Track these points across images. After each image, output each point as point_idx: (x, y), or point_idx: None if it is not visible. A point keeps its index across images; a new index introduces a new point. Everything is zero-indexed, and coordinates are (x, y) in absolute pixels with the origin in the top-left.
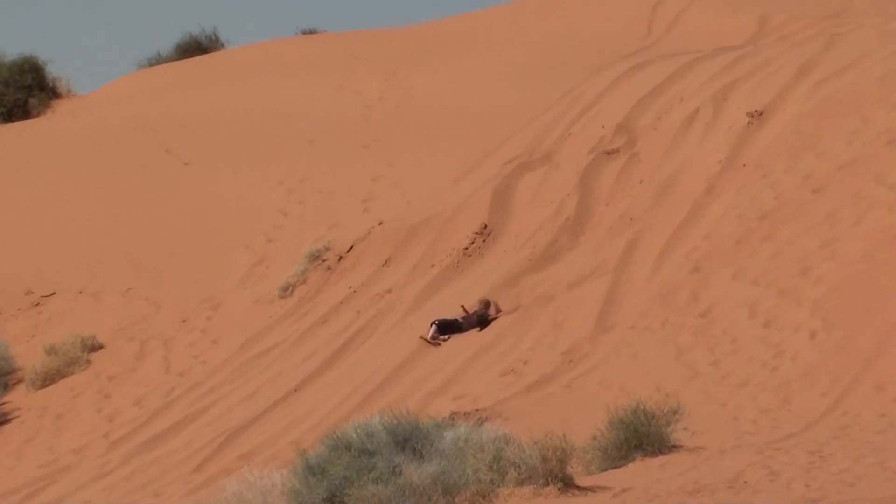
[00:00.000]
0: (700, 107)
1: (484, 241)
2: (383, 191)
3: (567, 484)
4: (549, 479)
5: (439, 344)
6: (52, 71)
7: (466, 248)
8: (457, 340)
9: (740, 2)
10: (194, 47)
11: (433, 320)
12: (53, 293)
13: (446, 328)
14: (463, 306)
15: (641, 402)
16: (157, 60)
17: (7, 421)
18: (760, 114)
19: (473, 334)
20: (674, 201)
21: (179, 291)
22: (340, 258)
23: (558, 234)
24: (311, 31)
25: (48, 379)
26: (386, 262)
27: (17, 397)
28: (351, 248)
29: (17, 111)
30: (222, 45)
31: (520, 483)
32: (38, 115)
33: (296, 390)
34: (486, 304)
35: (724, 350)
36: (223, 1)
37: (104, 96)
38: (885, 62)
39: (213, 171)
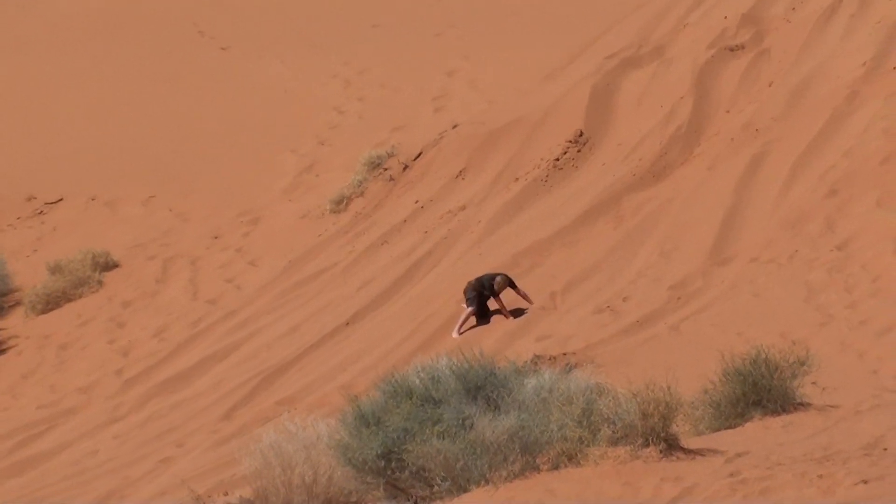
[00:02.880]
0: None
1: (579, 150)
2: (459, 88)
3: (671, 445)
4: (650, 439)
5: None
6: None
7: (557, 159)
8: (542, 269)
9: None
10: None
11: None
12: (60, 200)
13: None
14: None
15: (763, 350)
16: None
17: (1, 351)
18: None
19: (563, 259)
20: (808, 110)
21: (211, 201)
22: (406, 167)
23: (669, 144)
24: None
25: (51, 302)
26: (460, 173)
27: (14, 323)
28: (419, 155)
29: None
30: None
31: (614, 442)
32: None
33: (348, 324)
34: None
35: (864, 290)
36: None
37: None
38: None
39: (256, 58)
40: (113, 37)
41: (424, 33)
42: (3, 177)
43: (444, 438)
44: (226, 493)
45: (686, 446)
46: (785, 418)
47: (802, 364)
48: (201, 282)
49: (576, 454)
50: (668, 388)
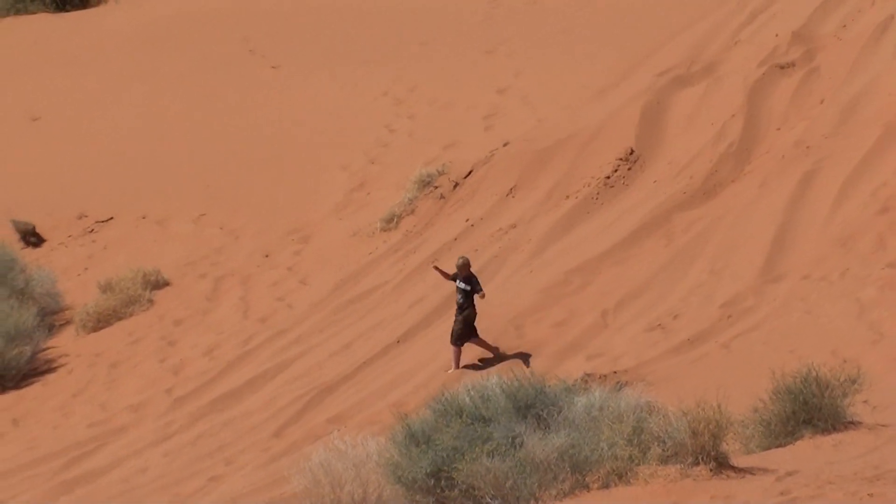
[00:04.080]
0: (895, 13)
1: (630, 168)
2: (509, 105)
3: (721, 464)
4: (700, 458)
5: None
6: None
7: (608, 177)
8: (593, 287)
9: None
10: None
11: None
12: (111, 218)
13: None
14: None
15: (814, 368)
16: None
17: (52, 370)
18: None
19: (614, 277)
20: (859, 127)
21: (262, 220)
22: (456, 185)
23: (720, 162)
24: None
25: (102, 321)
26: (511, 191)
27: (65, 342)
28: (469, 172)
29: None
30: None
31: (664, 461)
32: (98, 3)
33: (398, 342)
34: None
35: None
36: None
37: None
38: None
39: (306, 76)
40: (162, 54)
41: (475, 50)
42: (54, 195)
43: (493, 457)
44: None
45: (736, 465)
46: (836, 437)
47: (853, 382)
48: (252, 300)
49: (626, 473)
50: (719, 406)
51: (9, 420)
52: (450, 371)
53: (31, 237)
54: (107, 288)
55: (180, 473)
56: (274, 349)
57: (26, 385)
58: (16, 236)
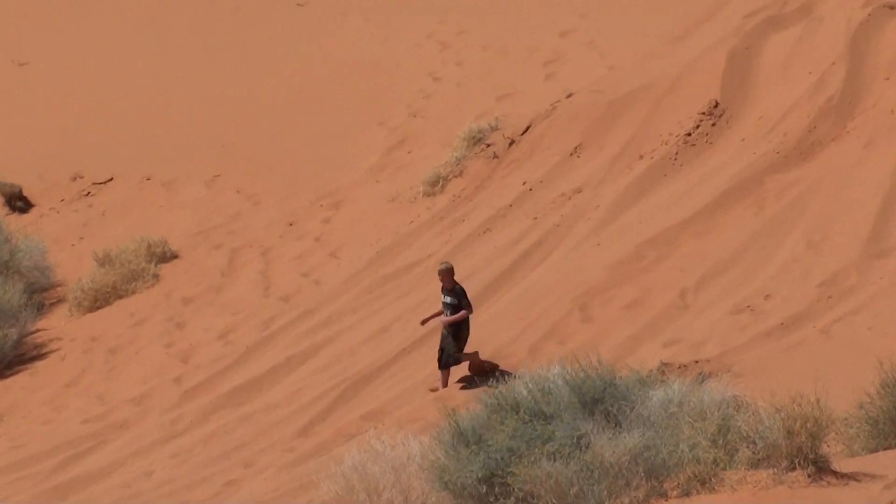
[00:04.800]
0: None
1: (714, 124)
2: (574, 50)
3: (820, 468)
4: (796, 461)
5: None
6: None
7: (689, 134)
8: (670, 262)
9: None
10: None
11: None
12: (110, 179)
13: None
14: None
15: None
16: None
17: (42, 356)
18: None
19: (695, 251)
20: None
21: (285, 182)
22: (512, 143)
23: (818, 118)
24: None
25: (99, 299)
26: (575, 150)
27: (57, 323)
28: (527, 128)
29: None
30: None
31: (754, 465)
32: None
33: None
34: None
35: None
36: None
37: None
38: None
39: (337, 16)
40: None
41: None
42: (44, 153)
43: (555, 460)
44: None
45: (838, 469)
46: None
47: None
48: (274, 275)
49: (710, 478)
50: (818, 401)
51: None
52: (436, 391)
53: (18, 201)
54: (105, 261)
55: (191, 477)
56: (299, 332)
57: (11, 374)
58: (0, 200)
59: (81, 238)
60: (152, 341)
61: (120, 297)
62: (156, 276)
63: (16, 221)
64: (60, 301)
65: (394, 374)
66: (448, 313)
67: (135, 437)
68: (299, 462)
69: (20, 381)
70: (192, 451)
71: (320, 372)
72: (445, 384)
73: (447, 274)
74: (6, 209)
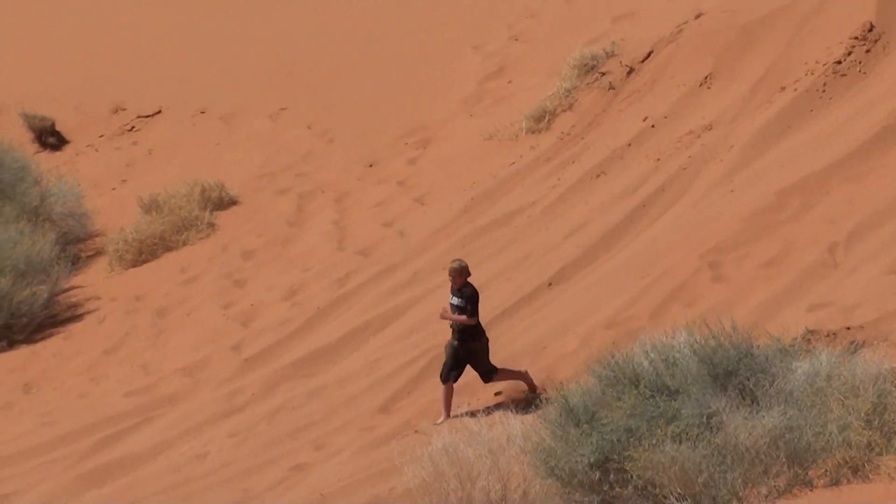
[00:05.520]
0: None
1: (868, 50)
2: None
3: None
4: None
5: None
6: None
7: (839, 63)
8: (817, 212)
9: None
10: None
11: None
12: (158, 112)
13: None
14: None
15: None
16: None
17: (77, 318)
18: None
19: (846, 199)
20: None
21: (364, 117)
22: (631, 71)
23: None
24: None
25: (145, 252)
26: (705, 80)
27: (95, 279)
28: (649, 54)
29: None
30: None
31: None
32: None
33: (550, 285)
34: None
35: None
36: None
37: None
38: None
39: None
40: None
41: None
42: (81, 82)
43: (681, 442)
44: None
45: None
46: None
47: None
48: (350, 225)
49: (863, 465)
50: None
51: (18, 385)
52: (440, 421)
53: (49, 137)
54: (152, 207)
55: (251, 460)
56: (379, 292)
57: (42, 338)
58: (29, 136)
59: (124, 180)
60: (206, 301)
61: (169, 249)
62: (211, 226)
63: (47, 160)
64: (99, 254)
65: (491, 341)
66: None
67: (185, 414)
68: (379, 444)
69: (52, 346)
70: (254, 429)
71: (404, 338)
72: (448, 405)
73: (458, 273)
74: (36, 146)
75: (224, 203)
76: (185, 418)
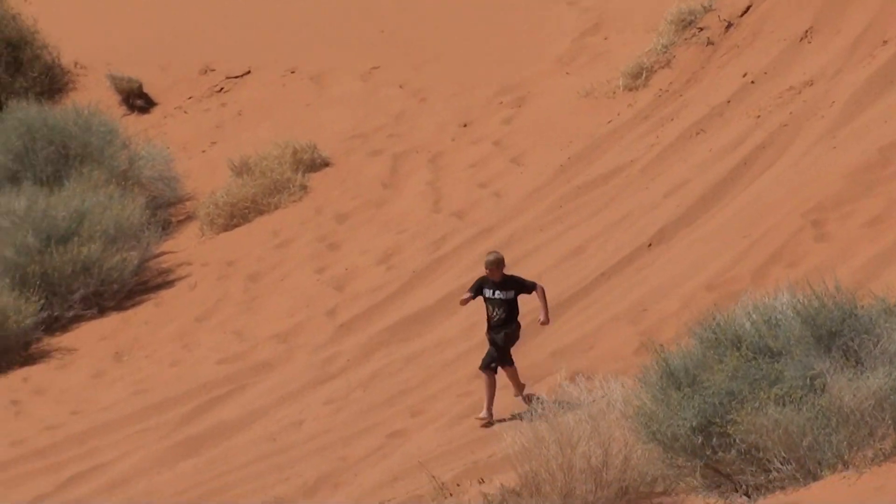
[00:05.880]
0: None
1: None
2: None
3: None
4: None
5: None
6: None
7: None
8: None
9: None
10: None
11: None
12: (247, 72)
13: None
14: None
15: None
16: None
17: (168, 283)
18: None
19: None
20: None
21: (458, 75)
22: (729, 26)
23: None
24: None
25: (236, 216)
26: (806, 33)
27: (186, 244)
28: (748, 8)
29: None
30: None
31: None
32: None
33: (650, 245)
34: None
35: None
36: None
37: None
38: None
39: None
40: None
41: None
42: (169, 42)
43: (784, 405)
44: (481, 481)
45: None
46: None
47: None
48: (445, 186)
49: None
50: None
51: (110, 353)
52: (481, 415)
53: (137, 99)
54: (243, 170)
55: (348, 429)
56: (476, 255)
57: (132, 305)
58: (116, 98)
59: (214, 143)
60: (300, 266)
61: (261, 212)
62: (303, 188)
63: (135, 123)
64: (189, 218)
65: (590, 303)
66: (499, 311)
67: (280, 381)
68: (477, 409)
69: (143, 313)
70: (349, 397)
71: None
72: (490, 409)
73: (496, 266)
74: (124, 108)
75: (316, 165)
76: (280, 386)
